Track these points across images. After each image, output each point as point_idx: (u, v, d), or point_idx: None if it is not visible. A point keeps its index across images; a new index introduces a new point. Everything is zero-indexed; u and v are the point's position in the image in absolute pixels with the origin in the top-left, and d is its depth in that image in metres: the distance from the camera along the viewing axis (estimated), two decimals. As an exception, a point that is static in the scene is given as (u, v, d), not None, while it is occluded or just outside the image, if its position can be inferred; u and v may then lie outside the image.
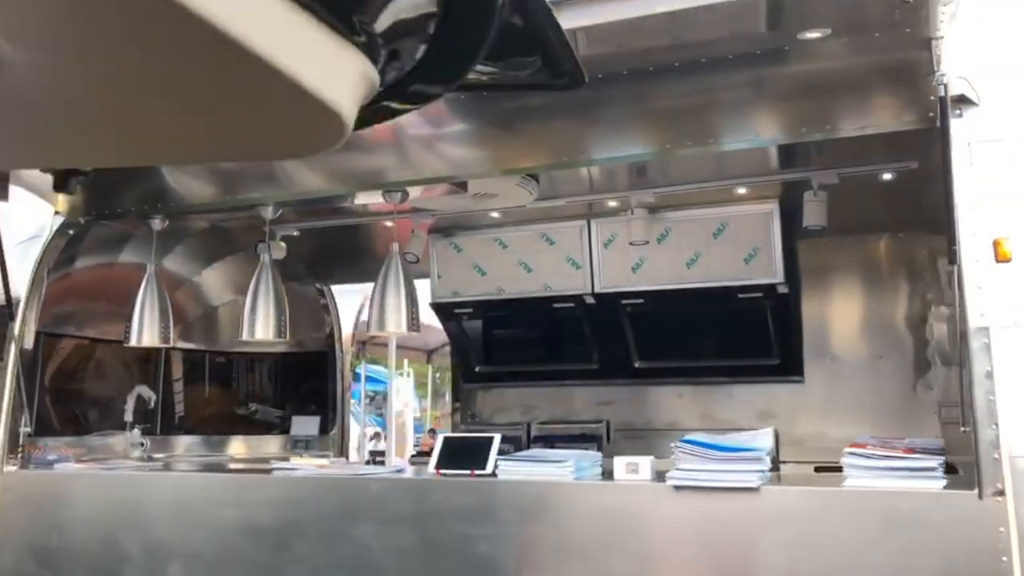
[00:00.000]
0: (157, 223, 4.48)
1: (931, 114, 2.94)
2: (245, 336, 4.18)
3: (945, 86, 2.66)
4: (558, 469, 3.16)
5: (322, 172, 4.20)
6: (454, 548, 3.18)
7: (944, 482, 2.66)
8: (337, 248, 6.02)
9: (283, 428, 6.41)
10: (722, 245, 5.06)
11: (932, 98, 2.90)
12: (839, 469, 4.26)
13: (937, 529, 2.61)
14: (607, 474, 3.32)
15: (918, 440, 2.94)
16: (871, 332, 5.24)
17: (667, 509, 2.94)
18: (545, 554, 3.05)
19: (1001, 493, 2.54)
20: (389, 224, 5.77)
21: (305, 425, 6.37)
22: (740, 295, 5.05)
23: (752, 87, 3.44)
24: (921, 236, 5.01)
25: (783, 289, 4.95)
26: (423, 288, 5.90)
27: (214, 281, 6.03)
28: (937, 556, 2.60)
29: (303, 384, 6.62)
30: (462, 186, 4.38)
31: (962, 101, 2.91)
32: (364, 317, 7.54)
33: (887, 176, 4.50)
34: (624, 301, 5.31)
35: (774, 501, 2.83)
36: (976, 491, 2.58)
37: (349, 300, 6.63)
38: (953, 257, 2.64)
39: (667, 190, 4.87)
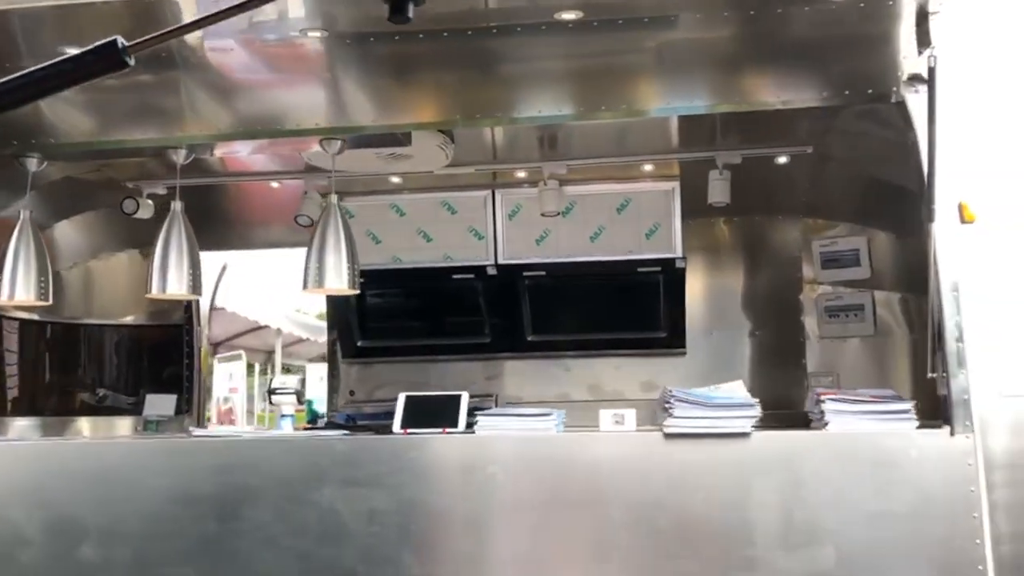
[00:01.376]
0: (33, 163, 3.89)
1: (894, 88, 3.21)
2: (155, 292, 3.73)
3: (935, 58, 2.90)
4: (542, 423, 3.10)
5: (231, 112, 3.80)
6: (434, 509, 3.03)
7: (917, 423, 2.91)
8: (213, 211, 5.53)
9: (135, 411, 5.79)
10: (625, 220, 5.21)
11: (898, 73, 3.16)
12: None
13: (914, 464, 2.85)
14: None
15: (875, 390, 3.19)
16: (748, 307, 5.61)
17: (660, 458, 2.99)
18: (537, 509, 2.99)
19: (969, 430, 2.82)
20: (275, 185, 5.42)
21: (160, 404, 5.79)
22: (639, 269, 5.22)
23: (697, 49, 3.52)
24: (796, 218, 5.44)
25: (681, 264, 5.18)
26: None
27: (62, 241, 5.33)
28: (914, 489, 2.84)
29: (158, 360, 6.02)
30: (389, 140, 4.16)
31: (917, 79, 3.21)
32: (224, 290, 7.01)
33: (782, 159, 4.84)
34: (526, 273, 5.31)
35: (764, 446, 2.96)
36: (947, 429, 2.85)
37: (209, 269, 6.13)
38: (930, 216, 2.89)
39: (579, 162, 4.94)
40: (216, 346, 9.43)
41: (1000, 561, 2.77)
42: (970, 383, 2.83)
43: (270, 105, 3.65)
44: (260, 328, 10.49)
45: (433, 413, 3.27)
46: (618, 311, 5.54)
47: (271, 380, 6.38)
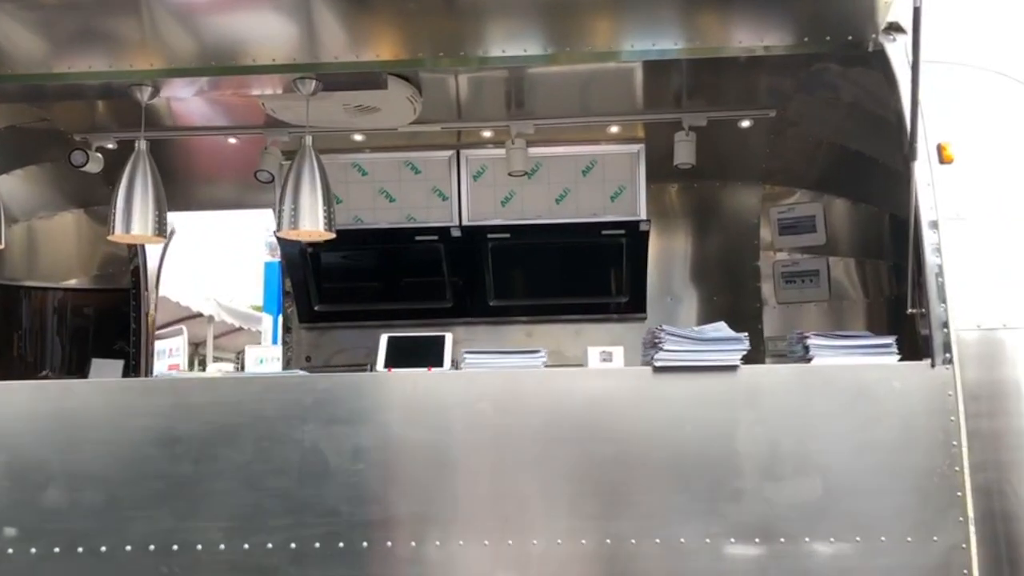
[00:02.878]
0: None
1: (872, 35, 3.28)
2: (118, 233, 3.56)
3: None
4: (530, 360, 3.08)
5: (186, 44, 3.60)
6: (421, 446, 2.97)
7: (899, 356, 2.99)
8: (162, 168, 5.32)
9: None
10: (590, 182, 5.22)
11: (876, 20, 3.23)
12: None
13: (897, 395, 2.92)
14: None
15: (849, 332, 3.26)
16: (706, 273, 5.69)
17: (650, 391, 2.99)
18: (527, 444, 2.96)
19: (949, 362, 2.91)
20: (233, 141, 5.26)
21: (106, 370, 5.55)
22: (604, 231, 5.24)
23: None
24: (755, 184, 5.54)
25: (645, 227, 5.21)
26: (268, 216, 5.43)
27: (5, 195, 5.06)
28: (897, 418, 2.91)
29: (103, 328, 5.78)
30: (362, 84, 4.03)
31: (895, 28, 3.29)
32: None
33: (745, 123, 4.92)
34: (490, 235, 5.27)
35: (752, 379, 2.99)
36: (928, 361, 2.93)
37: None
38: (913, 154, 2.97)
39: (546, 122, 4.93)
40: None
41: (976, 488, 2.86)
42: (950, 317, 2.91)
43: (229, 38, 3.48)
44: (193, 317, 10.06)
45: (417, 353, 3.22)
46: (582, 275, 5.55)
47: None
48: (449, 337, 3.29)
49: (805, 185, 5.39)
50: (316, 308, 5.66)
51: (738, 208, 5.63)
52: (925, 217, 2.99)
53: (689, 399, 2.97)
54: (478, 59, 3.77)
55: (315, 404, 2.99)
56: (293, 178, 3.59)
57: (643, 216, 5.20)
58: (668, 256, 5.68)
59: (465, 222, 5.24)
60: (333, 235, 3.72)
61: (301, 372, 3.76)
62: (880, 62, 3.27)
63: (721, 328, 3.13)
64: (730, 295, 5.63)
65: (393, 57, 3.85)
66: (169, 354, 8.85)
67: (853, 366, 2.96)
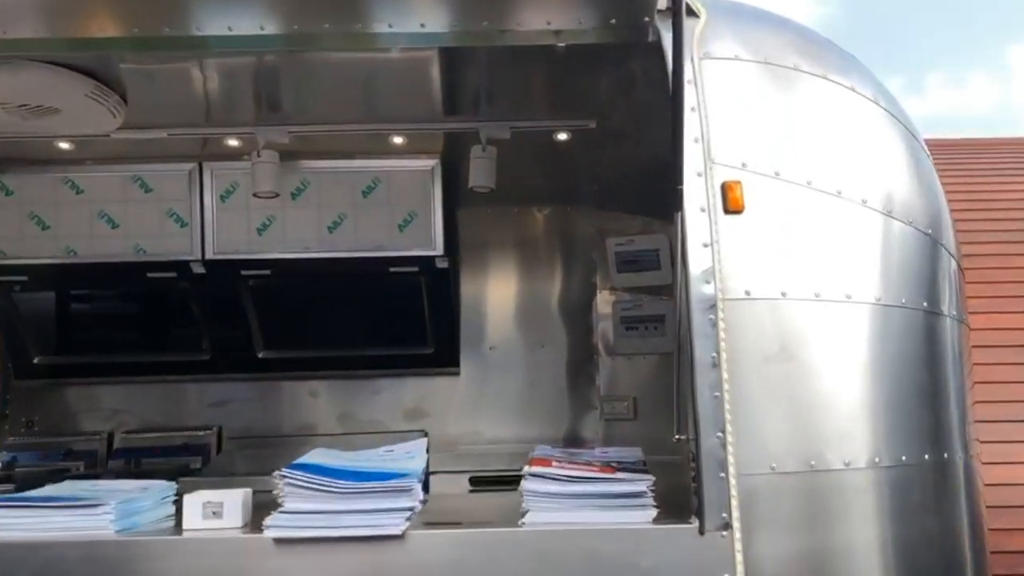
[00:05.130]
0: None
1: (645, 18, 2.22)
2: None
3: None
4: (92, 519, 1.94)
5: None
6: None
7: (654, 512, 1.93)
8: None
9: None
10: (373, 206, 4.11)
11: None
12: (498, 481, 3.51)
13: (646, 577, 1.86)
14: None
15: (612, 451, 2.22)
16: (533, 317, 4.62)
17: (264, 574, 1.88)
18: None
19: (727, 526, 1.85)
20: None
21: None
22: (392, 268, 4.14)
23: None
24: (589, 211, 4.49)
25: (442, 264, 4.13)
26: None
27: None
28: (646, 619, 1.85)
29: None
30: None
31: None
32: None
33: (562, 136, 3.87)
34: (245, 272, 4.14)
35: (426, 552, 1.90)
36: (696, 524, 1.87)
37: None
38: (680, 202, 1.91)
39: (305, 130, 3.80)
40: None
41: None
42: (730, 454, 1.86)
43: None
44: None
45: None
46: (372, 321, 4.46)
47: None
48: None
49: (645, 211, 4.35)
50: (36, 360, 4.45)
51: (571, 239, 4.57)
52: (698, 299, 1.93)
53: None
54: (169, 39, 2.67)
55: None
56: None
57: (438, 250, 4.10)
58: (487, 296, 4.60)
59: (210, 255, 4.09)
60: None
61: None
62: (656, 55, 2.22)
63: (409, 456, 2.03)
64: (562, 343, 4.57)
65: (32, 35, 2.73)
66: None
67: (580, 531, 1.90)
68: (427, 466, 2.41)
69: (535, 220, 4.54)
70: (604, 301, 4.51)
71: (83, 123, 3.50)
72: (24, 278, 4.10)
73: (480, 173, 3.82)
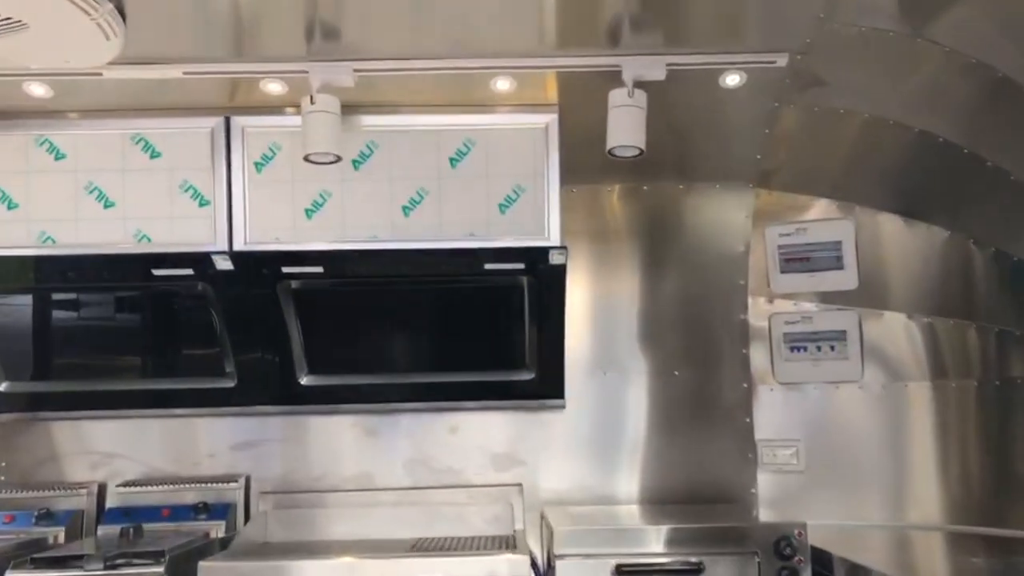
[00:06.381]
0: None
1: None
2: None
3: None
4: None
5: None
6: None
7: None
8: None
9: None
10: (464, 179, 3.00)
11: None
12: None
13: None
14: None
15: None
16: (661, 333, 3.48)
17: None
18: None
19: None
20: None
21: None
22: (487, 265, 3.02)
23: None
24: (741, 188, 3.37)
25: (558, 258, 3.01)
26: None
27: None
28: None
29: None
30: None
31: None
32: None
33: (733, 78, 2.77)
34: (287, 269, 3.02)
35: None
36: None
37: None
38: None
39: (376, 67, 2.70)
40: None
41: None
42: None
43: None
44: None
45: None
46: (455, 336, 3.34)
47: None
48: None
49: (822, 191, 3.23)
50: (2, 389, 3.32)
51: (715, 227, 3.44)
52: None
53: None
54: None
55: None
56: None
57: (553, 240, 2.99)
58: (600, 305, 3.47)
59: (239, 246, 2.98)
60: None
61: None
62: None
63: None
64: (701, 368, 3.43)
65: None
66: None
67: None
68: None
69: (668, 200, 3.41)
70: (759, 312, 3.37)
71: (63, 50, 2.40)
72: (-16, 276, 2.99)
73: (623, 129, 2.72)
